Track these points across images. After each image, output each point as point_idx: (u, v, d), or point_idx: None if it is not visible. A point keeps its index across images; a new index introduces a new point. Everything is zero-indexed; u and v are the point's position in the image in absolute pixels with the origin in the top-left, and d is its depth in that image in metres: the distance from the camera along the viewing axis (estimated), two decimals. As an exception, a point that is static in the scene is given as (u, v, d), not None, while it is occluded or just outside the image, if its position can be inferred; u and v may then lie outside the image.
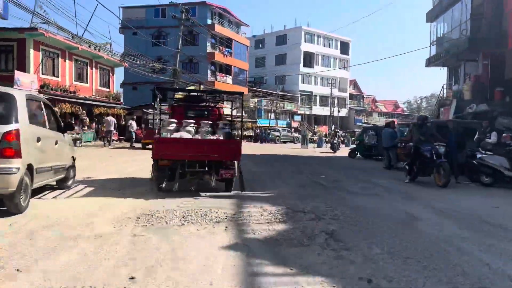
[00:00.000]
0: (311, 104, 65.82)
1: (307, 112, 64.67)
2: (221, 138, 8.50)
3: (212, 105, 10.58)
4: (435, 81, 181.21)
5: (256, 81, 60.99)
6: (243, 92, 10.02)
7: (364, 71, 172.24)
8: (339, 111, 65.51)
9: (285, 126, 55.97)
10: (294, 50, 63.08)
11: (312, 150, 31.29)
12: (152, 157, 8.02)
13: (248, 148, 30.12)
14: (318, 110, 66.68)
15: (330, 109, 62.55)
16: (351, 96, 73.79)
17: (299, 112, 63.06)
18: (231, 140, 8.51)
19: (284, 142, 45.75)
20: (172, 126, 8.64)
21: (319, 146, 36.09)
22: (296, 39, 63.45)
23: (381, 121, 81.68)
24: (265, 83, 63.12)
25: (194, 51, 41.37)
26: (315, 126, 65.07)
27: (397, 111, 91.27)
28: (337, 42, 69.23)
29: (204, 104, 10.46)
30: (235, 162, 7.99)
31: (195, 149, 7.83)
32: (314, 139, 39.82)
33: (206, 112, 10.12)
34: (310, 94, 65.42)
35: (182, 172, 7.81)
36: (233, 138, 9.02)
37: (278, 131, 46.00)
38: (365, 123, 74.13)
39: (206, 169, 7.84)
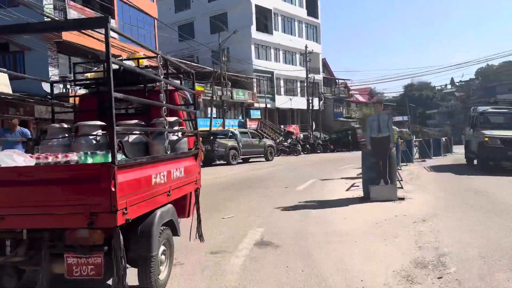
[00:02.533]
0: (273, 92, 41.68)
1: (269, 105, 40.51)
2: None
3: (151, 88, 4.72)
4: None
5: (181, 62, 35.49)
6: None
7: (335, 45, 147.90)
8: (321, 99, 42.21)
9: (239, 128, 31.24)
10: (240, 6, 38.72)
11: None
12: None
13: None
14: (283, 101, 42.68)
15: (307, 96, 38.81)
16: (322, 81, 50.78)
17: (257, 104, 38.67)
18: (80, 166, 3.10)
19: (244, 161, 21.21)
20: (57, 139, 3.99)
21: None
22: (241, -13, 39.10)
23: (362, 114, 60.29)
24: (197, 63, 37.95)
25: None
26: (282, 127, 41.29)
27: (373, 100, 70.36)
28: (302, -3, 45.95)
29: (136, 88, 4.66)
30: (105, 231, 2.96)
31: None
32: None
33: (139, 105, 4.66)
34: (270, 75, 41.28)
35: None
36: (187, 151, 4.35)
37: (233, 136, 20.93)
38: (347, 117, 51.75)
39: (27, 253, 3.14)
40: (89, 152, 3.33)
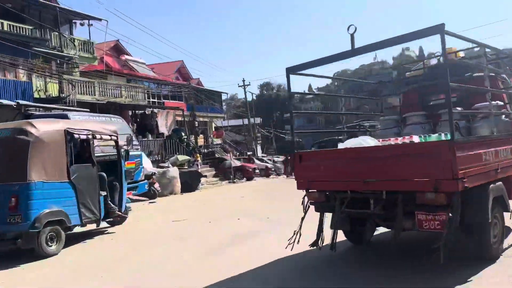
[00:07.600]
0: None
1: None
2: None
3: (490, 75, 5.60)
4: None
5: None
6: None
7: None
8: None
9: None
10: None
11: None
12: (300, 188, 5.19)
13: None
14: None
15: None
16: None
17: None
18: (435, 143, 4.52)
19: None
20: (389, 128, 6.17)
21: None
22: None
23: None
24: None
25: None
26: None
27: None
28: None
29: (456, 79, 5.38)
30: (448, 195, 3.93)
31: (361, 169, 4.45)
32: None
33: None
34: None
35: (346, 215, 4.75)
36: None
37: None
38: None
39: (381, 210, 4.47)
40: (422, 135, 4.58)
